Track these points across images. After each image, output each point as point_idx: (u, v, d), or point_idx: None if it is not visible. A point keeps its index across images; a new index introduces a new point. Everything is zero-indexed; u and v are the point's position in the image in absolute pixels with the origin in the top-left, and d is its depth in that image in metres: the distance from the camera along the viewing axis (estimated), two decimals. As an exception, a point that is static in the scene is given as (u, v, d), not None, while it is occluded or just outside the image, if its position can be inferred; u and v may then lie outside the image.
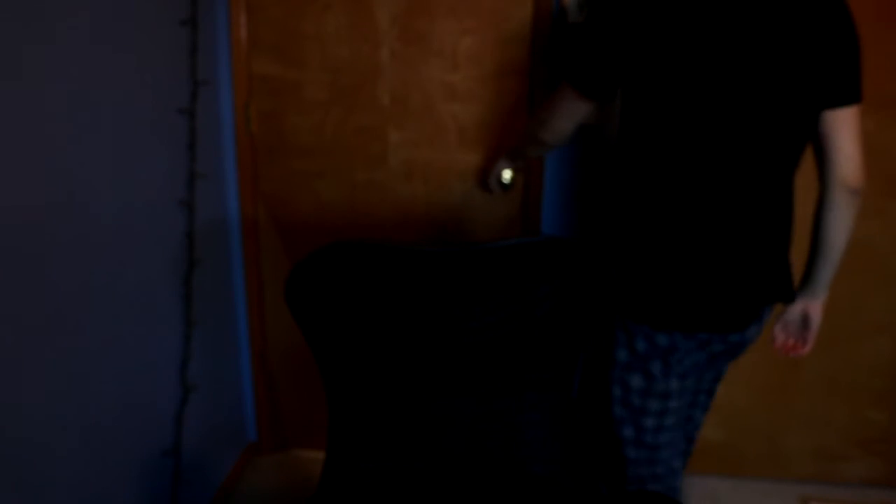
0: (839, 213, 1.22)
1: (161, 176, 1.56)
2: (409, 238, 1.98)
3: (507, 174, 1.74)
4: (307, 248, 1.07)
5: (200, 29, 1.67)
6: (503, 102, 1.86)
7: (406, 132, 1.90)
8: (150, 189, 1.51)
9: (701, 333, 1.19)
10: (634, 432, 1.29)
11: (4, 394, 1.08)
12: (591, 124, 1.51)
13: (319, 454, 2.10)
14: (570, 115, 1.25)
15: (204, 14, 1.70)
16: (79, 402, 1.27)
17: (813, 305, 1.34)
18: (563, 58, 1.44)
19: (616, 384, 1.28)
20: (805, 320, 1.35)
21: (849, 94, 1.15)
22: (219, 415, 1.97)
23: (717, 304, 1.18)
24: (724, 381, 2.06)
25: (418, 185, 1.94)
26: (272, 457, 2.20)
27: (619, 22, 1.10)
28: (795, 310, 1.35)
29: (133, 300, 1.45)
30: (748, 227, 1.17)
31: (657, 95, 1.11)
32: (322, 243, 1.07)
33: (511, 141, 1.75)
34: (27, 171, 1.10)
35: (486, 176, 1.79)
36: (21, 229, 1.09)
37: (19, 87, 1.07)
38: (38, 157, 1.13)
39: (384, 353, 1.13)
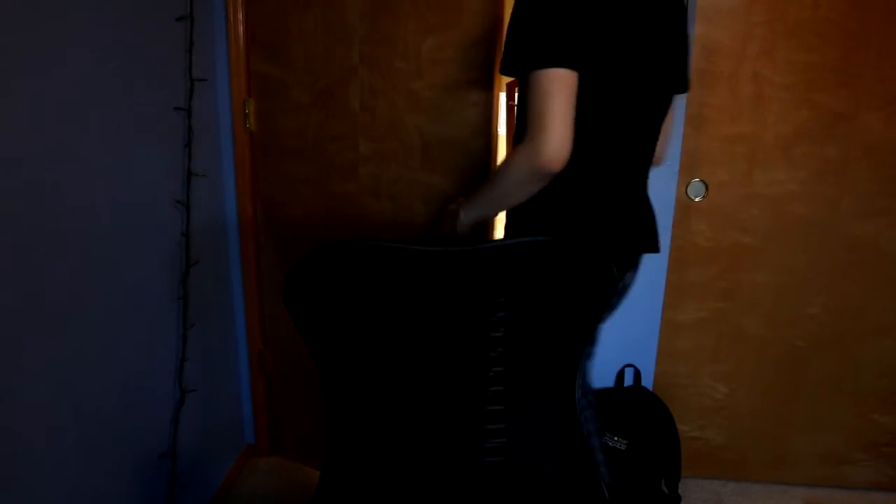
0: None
1: (157, 175, 1.54)
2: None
3: None
4: (305, 249, 1.05)
5: (197, 25, 1.65)
6: (467, 119, 1.65)
7: (375, 143, 1.76)
8: (147, 188, 1.49)
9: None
10: None
11: (0, 394, 1.06)
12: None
13: (318, 456, 2.08)
14: (567, 106, 1.09)
15: (201, 10, 1.69)
16: (75, 404, 1.26)
17: None
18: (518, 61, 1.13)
19: None
20: None
21: (687, 84, 1.37)
22: (216, 416, 1.95)
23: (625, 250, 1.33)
24: (729, 382, 2.05)
25: (386, 202, 1.79)
26: (270, 459, 2.19)
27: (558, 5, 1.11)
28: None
29: (130, 301, 1.43)
30: (642, 190, 1.36)
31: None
32: (316, 247, 1.06)
33: (474, 165, 1.62)
34: (23, 171, 1.08)
35: (451, 228, 1.40)
36: (17, 229, 1.07)
37: (15, 87, 1.05)
38: (34, 157, 1.11)
39: (382, 354, 1.11)
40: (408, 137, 1.73)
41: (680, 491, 1.99)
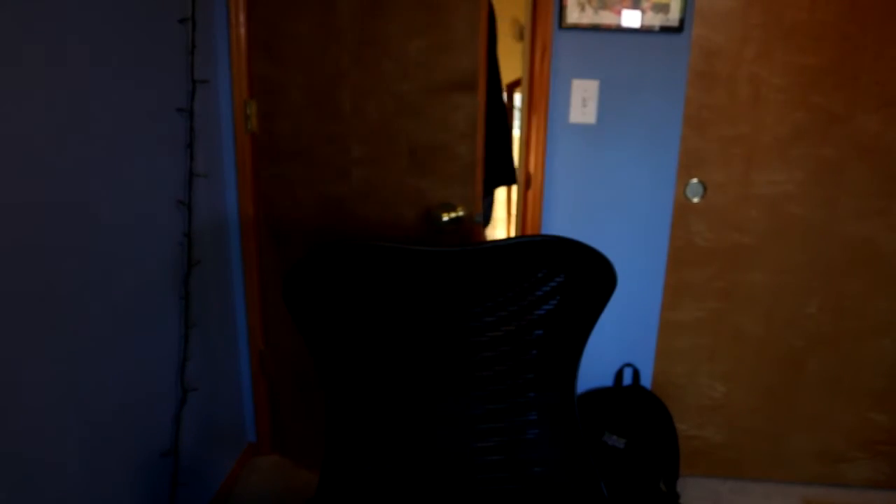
0: None
1: (159, 175, 1.55)
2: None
3: None
4: (305, 250, 1.05)
5: (199, 27, 1.66)
6: (452, 122, 1.61)
7: (365, 146, 1.73)
8: (149, 189, 1.50)
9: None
10: None
11: (2, 394, 1.07)
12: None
13: (319, 456, 2.09)
14: None
15: (203, 12, 1.70)
16: (77, 403, 1.27)
17: None
18: None
19: None
20: None
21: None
22: (218, 416, 1.96)
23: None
24: (727, 382, 2.06)
25: (375, 207, 1.76)
26: (271, 458, 2.19)
27: None
28: None
29: (131, 301, 1.44)
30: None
31: None
32: (316, 247, 1.06)
33: (461, 169, 1.63)
34: (24, 172, 1.09)
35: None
36: (19, 229, 1.08)
37: (17, 87, 1.06)
38: (36, 157, 1.12)
39: (382, 353, 1.12)
40: (396, 140, 1.70)
41: (678, 489, 2.00)
